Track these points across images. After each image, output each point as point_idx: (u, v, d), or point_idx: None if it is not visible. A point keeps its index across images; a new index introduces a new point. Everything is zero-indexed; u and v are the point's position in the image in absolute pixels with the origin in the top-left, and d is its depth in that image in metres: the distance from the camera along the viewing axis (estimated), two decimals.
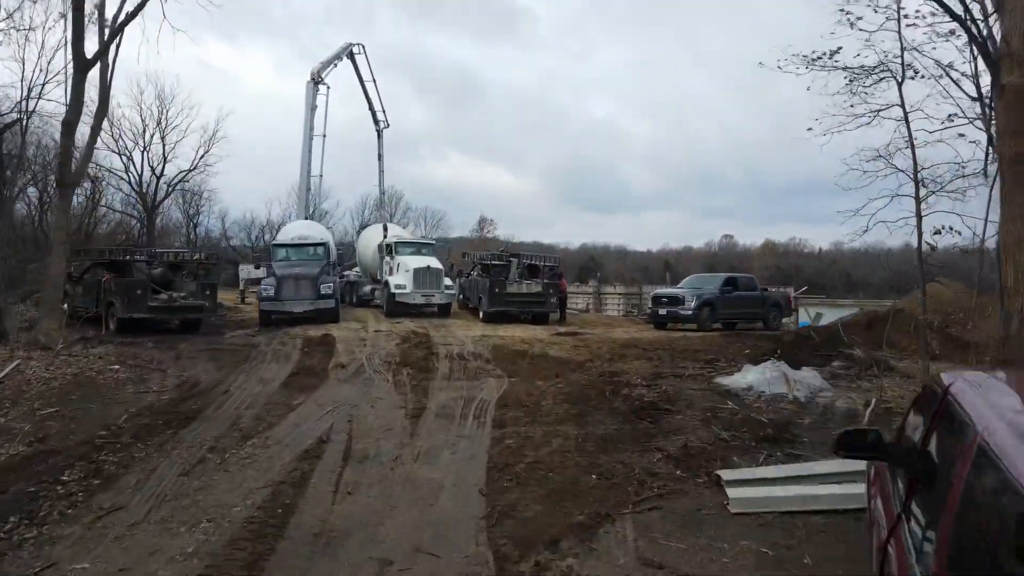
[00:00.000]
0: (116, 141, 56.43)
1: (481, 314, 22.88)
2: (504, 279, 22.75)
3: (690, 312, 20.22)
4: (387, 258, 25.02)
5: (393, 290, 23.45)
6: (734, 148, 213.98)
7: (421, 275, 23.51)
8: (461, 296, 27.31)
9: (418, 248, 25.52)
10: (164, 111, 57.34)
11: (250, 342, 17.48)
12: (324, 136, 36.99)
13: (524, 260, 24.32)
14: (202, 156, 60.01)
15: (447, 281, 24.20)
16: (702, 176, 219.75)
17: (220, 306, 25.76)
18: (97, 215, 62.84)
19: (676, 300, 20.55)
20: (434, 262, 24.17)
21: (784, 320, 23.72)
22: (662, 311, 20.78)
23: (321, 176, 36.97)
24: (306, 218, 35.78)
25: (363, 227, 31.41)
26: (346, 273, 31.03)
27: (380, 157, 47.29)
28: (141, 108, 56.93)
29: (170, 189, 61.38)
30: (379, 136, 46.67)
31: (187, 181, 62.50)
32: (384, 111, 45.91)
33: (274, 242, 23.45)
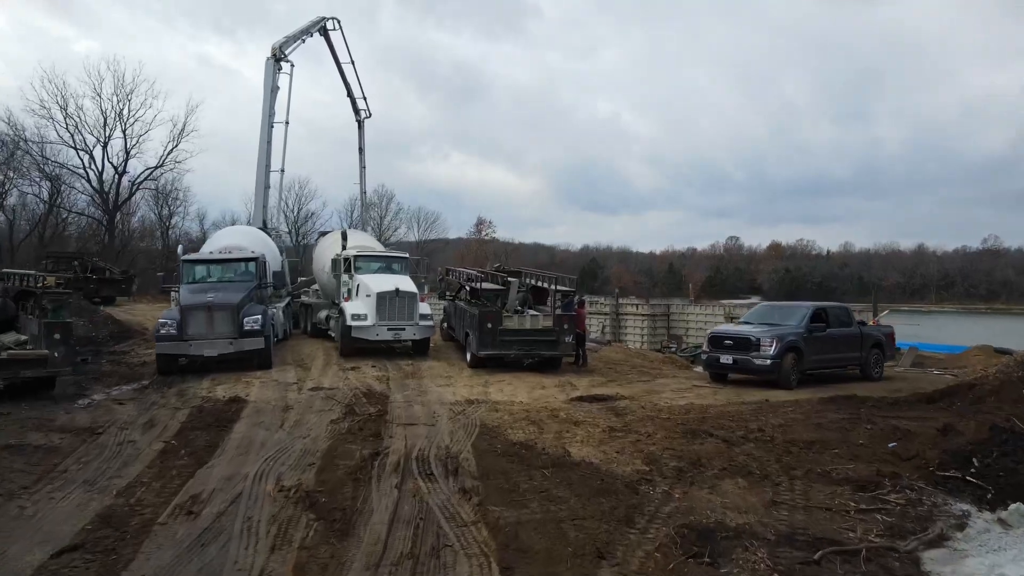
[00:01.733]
0: (73, 135, 50.11)
1: (469, 356, 16.31)
2: (500, 308, 16.17)
3: (768, 363, 13.68)
4: (345, 277, 18.45)
5: (349, 321, 16.91)
6: (738, 147, 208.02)
7: (388, 301, 16.97)
8: (445, 324, 20.73)
9: (387, 264, 18.91)
10: (126, 100, 50.91)
11: (101, 420, 10.95)
12: (287, 123, 30.36)
13: (527, 280, 17.79)
14: (170, 151, 53.65)
15: (424, 308, 17.64)
16: (705, 176, 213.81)
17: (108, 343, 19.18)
18: (58, 218, 56.57)
19: (746, 344, 13.98)
20: (406, 283, 17.61)
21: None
22: (725, 358, 14.21)
23: (283, 171, 30.32)
24: (263, 221, 29.26)
25: (322, 234, 24.70)
26: (306, 290, 24.48)
27: (361, 151, 40.71)
28: (101, 99, 50.56)
29: (134, 188, 55.01)
30: (360, 127, 40.14)
31: (156, 179, 56.15)
32: (365, 98, 39.49)
33: (184, 256, 16.87)
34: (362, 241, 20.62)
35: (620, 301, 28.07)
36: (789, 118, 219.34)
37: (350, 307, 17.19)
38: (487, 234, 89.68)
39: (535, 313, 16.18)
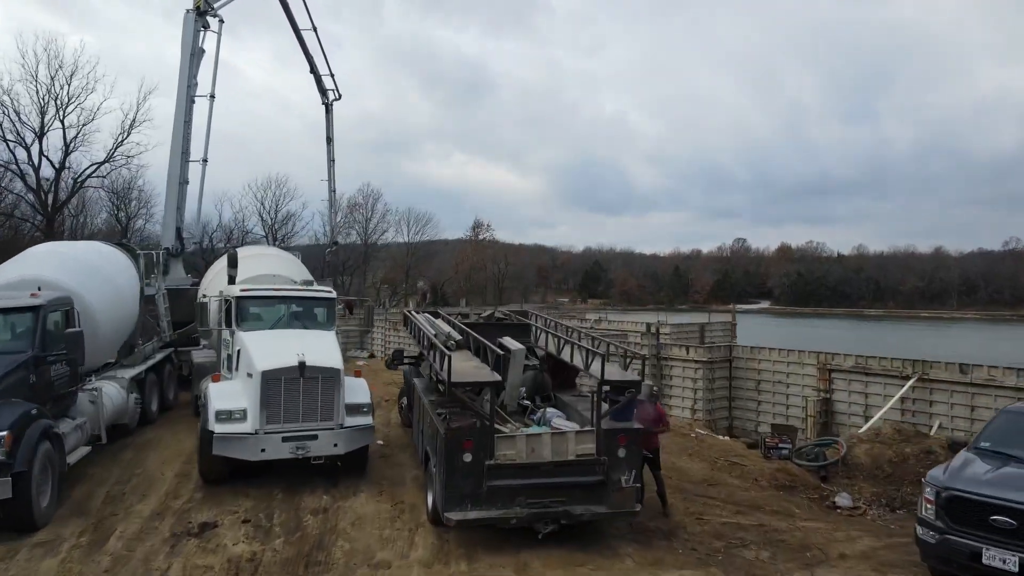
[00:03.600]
0: (1, 125, 41.91)
1: (429, 503, 8.18)
2: (490, 420, 7.94)
3: None
4: (225, 333, 10.39)
5: (212, 424, 8.83)
6: (744, 147, 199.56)
7: (283, 388, 8.92)
8: (403, 400, 12.61)
9: (303, 310, 10.72)
10: (66, 84, 42.68)
11: None
12: (212, 97, 22.35)
13: (542, 339, 9.75)
14: (119, 144, 45.48)
15: (357, 391, 9.52)
16: (710, 176, 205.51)
17: None
18: None
19: None
20: (321, 347, 9.46)
21: None
22: (1002, 559, 6.10)
23: (206, 161, 22.29)
24: (177, 228, 21.21)
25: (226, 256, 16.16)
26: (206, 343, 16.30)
27: (329, 140, 32.65)
28: (37, 83, 42.32)
29: (76, 186, 46.78)
30: (327, 110, 32.11)
31: (104, 176, 47.99)
32: (332, 75, 31.48)
33: None
34: (266, 266, 12.38)
35: (662, 339, 19.86)
36: (796, 117, 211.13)
37: (217, 395, 9.07)
38: (484, 237, 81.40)
39: (560, 423, 8.06)
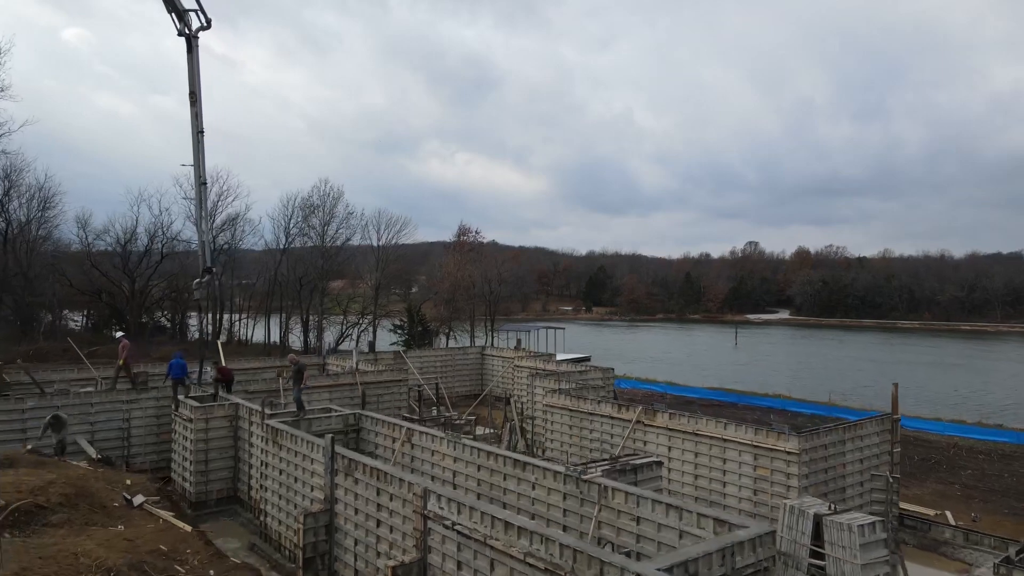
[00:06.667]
0: None
1: None
2: None
3: None
4: None
5: None
6: (751, 146, 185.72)
7: None
8: None
9: None
10: None
11: None
12: None
13: None
14: None
15: None
16: (716, 176, 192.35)
17: None
18: None
19: None
20: None
21: None
22: None
23: None
24: None
25: None
26: None
27: (193, 97, 19.49)
28: None
29: None
30: (189, 46, 18.98)
31: None
32: None
33: None
34: None
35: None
36: (805, 115, 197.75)
37: None
38: (474, 238, 67.58)
39: None
